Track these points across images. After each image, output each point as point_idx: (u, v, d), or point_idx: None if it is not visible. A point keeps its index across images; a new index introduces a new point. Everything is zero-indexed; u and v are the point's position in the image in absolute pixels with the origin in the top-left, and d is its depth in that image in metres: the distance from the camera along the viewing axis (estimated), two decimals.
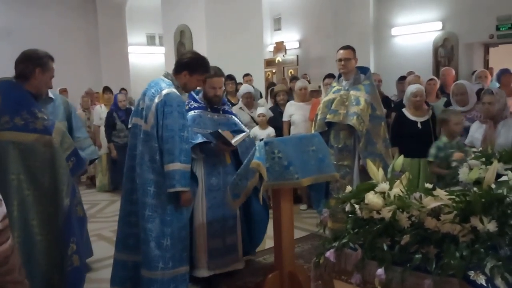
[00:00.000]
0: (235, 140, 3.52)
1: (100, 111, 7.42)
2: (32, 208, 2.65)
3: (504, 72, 6.00)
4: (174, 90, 3.13)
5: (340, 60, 4.10)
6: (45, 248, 2.68)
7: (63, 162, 2.74)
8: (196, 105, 3.69)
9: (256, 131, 5.59)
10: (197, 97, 3.75)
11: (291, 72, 11.53)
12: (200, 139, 3.45)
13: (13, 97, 2.68)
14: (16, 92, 2.71)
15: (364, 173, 4.00)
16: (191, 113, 3.61)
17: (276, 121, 5.77)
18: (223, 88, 3.88)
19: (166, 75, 3.28)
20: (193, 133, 3.46)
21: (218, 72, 3.66)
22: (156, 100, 3.07)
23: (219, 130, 3.45)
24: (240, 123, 3.86)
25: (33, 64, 2.76)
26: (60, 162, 2.71)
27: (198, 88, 3.56)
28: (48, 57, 2.85)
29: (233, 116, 3.86)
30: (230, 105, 4.08)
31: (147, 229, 3.09)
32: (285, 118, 5.72)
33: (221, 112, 3.77)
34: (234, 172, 3.70)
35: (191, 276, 3.57)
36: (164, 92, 3.09)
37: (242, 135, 3.61)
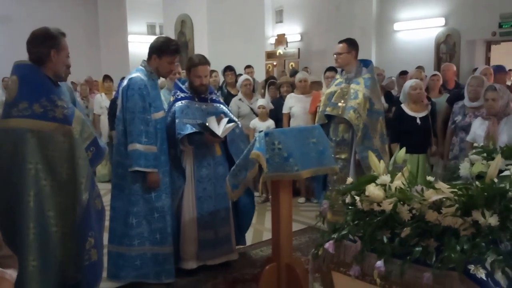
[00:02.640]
0: (222, 131, 3.46)
1: (101, 99, 7.35)
2: (48, 199, 2.52)
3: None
4: (139, 74, 3.25)
5: (334, 54, 4.11)
6: (60, 240, 2.56)
7: (83, 153, 2.59)
8: (182, 95, 3.62)
9: (256, 123, 5.56)
10: (183, 86, 3.67)
11: (292, 65, 11.50)
12: (189, 130, 3.41)
13: (32, 83, 2.54)
14: (35, 77, 2.55)
15: (359, 167, 3.99)
16: (178, 103, 3.55)
17: (279, 113, 5.76)
18: (209, 76, 3.84)
19: (142, 63, 3.38)
20: (182, 123, 3.43)
21: (202, 60, 3.60)
22: (123, 85, 3.28)
23: (206, 124, 3.41)
24: (229, 112, 3.81)
25: (47, 46, 2.58)
26: (79, 153, 2.56)
27: (183, 77, 3.53)
28: (60, 33, 2.67)
29: (222, 105, 3.79)
30: (218, 94, 4.01)
31: (115, 208, 3.30)
32: (285, 110, 5.69)
33: (209, 101, 3.71)
34: (225, 163, 3.69)
35: (179, 268, 3.54)
36: (129, 77, 3.27)
37: (230, 125, 3.55)
